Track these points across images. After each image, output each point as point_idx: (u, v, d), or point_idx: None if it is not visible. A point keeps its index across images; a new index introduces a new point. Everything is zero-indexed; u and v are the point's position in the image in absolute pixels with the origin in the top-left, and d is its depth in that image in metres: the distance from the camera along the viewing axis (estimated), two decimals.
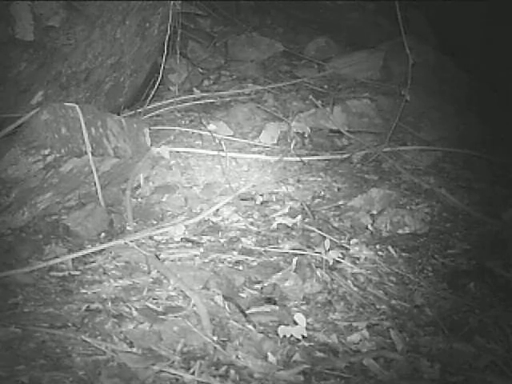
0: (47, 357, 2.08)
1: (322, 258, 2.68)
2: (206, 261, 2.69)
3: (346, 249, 2.86)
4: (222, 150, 3.49)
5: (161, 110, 3.95)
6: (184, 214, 3.05)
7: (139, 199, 3.16)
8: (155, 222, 2.98)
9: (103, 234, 2.87)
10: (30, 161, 2.73)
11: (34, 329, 2.20)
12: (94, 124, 2.95)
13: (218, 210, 3.05)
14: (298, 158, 3.60)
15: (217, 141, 3.55)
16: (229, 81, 4.51)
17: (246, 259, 2.74)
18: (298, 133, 3.80)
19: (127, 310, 2.34)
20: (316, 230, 2.95)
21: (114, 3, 3.40)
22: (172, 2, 3.72)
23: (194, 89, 4.26)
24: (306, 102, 4.18)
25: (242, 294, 2.53)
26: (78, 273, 2.58)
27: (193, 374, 2.08)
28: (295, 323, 2.29)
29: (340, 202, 3.27)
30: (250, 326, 2.34)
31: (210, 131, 3.61)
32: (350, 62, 4.62)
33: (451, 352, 2.33)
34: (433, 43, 4.96)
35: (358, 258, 2.82)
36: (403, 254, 2.91)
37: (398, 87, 4.04)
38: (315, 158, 3.67)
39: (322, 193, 3.36)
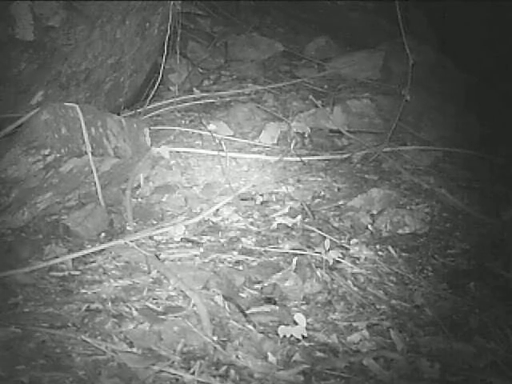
0: (47, 357, 2.08)
1: (322, 258, 2.68)
2: (206, 261, 2.69)
3: (346, 249, 2.86)
4: (222, 150, 3.49)
5: (161, 110, 3.94)
6: (184, 214, 3.05)
7: (139, 199, 3.16)
8: (155, 222, 2.98)
9: (103, 234, 2.87)
10: (30, 161, 2.73)
11: (34, 329, 2.20)
12: (94, 124, 2.95)
13: (217, 209, 3.05)
14: (298, 158, 3.60)
15: (217, 141, 3.54)
16: (229, 81, 4.51)
17: (246, 259, 2.74)
18: (298, 133, 3.80)
19: (127, 309, 2.34)
20: (316, 230, 2.95)
21: (114, 3, 3.40)
22: (172, 2, 3.72)
23: (194, 89, 4.26)
24: (306, 101, 4.18)
25: (242, 294, 2.53)
26: (77, 273, 2.57)
27: (193, 374, 2.07)
28: (295, 323, 2.29)
29: (340, 202, 3.27)
30: (250, 326, 2.34)
31: (210, 131, 3.61)
32: (350, 62, 4.62)
33: (451, 352, 2.33)
34: (433, 43, 4.96)
35: (358, 258, 2.82)
36: (403, 254, 2.91)
37: (398, 87, 4.03)
38: (315, 158, 3.67)
39: (322, 193, 3.36)
